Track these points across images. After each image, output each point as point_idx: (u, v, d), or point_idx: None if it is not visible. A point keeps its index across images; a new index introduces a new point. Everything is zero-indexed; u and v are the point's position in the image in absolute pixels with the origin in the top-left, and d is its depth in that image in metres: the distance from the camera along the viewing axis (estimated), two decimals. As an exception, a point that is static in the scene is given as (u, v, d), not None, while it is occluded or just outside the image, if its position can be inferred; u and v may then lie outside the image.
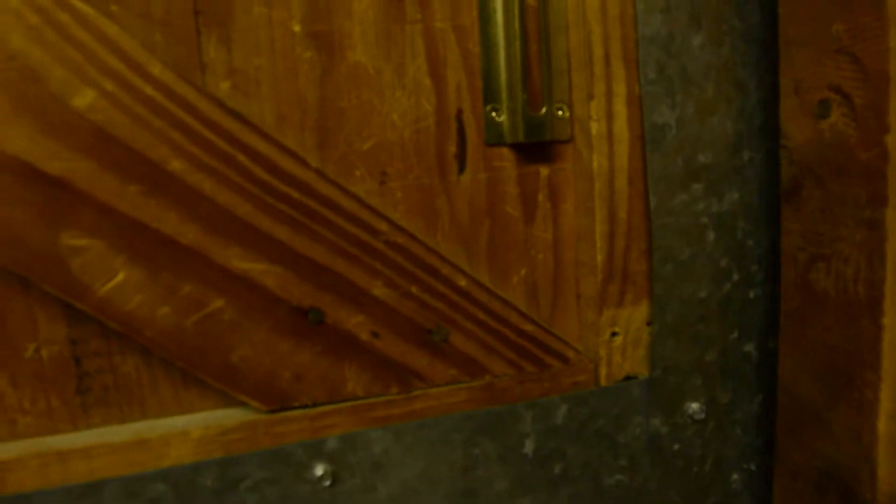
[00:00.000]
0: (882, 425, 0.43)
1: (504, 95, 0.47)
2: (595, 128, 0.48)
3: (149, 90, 0.39)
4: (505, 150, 0.48)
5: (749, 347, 0.54)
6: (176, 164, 0.40)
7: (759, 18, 0.50)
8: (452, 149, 0.47)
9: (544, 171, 0.49)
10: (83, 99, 0.38)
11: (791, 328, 0.49)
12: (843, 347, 0.44)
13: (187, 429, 0.42)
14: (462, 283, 0.47)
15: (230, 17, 0.42)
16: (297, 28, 0.43)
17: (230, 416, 0.44)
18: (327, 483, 0.44)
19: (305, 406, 0.45)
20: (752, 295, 0.53)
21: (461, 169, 0.48)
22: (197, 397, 0.45)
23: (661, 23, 0.47)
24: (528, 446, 0.49)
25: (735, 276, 0.52)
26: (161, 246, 0.40)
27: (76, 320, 0.41)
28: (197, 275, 0.41)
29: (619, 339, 0.51)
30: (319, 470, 0.44)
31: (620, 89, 0.48)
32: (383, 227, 0.44)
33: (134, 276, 0.40)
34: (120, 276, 0.40)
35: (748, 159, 0.51)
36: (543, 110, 0.48)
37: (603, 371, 0.51)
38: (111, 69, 0.38)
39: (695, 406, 0.53)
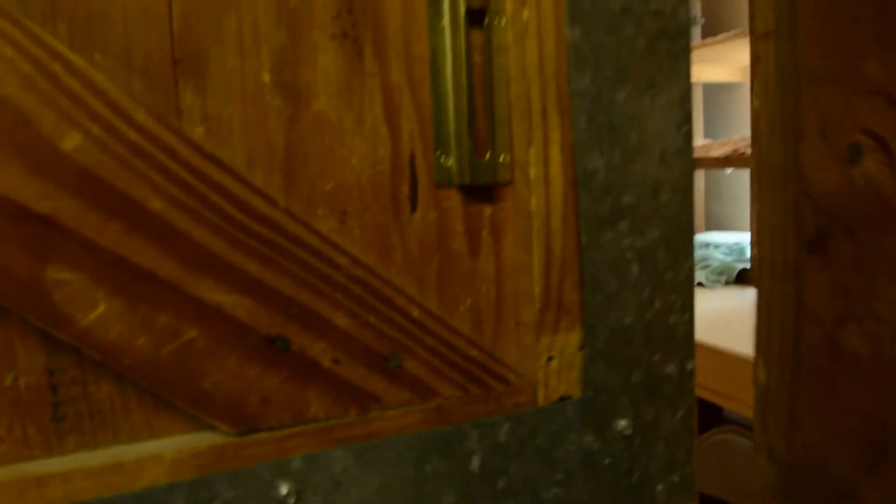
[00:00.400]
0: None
1: (452, 142, 0.52)
2: (533, 172, 0.53)
3: (133, 135, 0.42)
4: (453, 192, 0.53)
5: (670, 369, 0.60)
6: (156, 203, 0.43)
7: (679, 73, 0.57)
8: (405, 190, 0.52)
9: (488, 210, 0.54)
10: (71, 142, 0.41)
11: (815, 391, 0.42)
12: (879, 415, 0.39)
13: (161, 452, 0.45)
14: (415, 313, 0.51)
15: (206, 68, 0.46)
16: (266, 78, 0.47)
17: (201, 440, 0.46)
18: (292, 501, 0.47)
19: (272, 429, 0.48)
20: (671, 321, 0.59)
21: (413, 208, 0.52)
22: (167, 422, 0.47)
23: (591, 79, 0.53)
24: (475, 463, 0.54)
25: (657, 305, 0.58)
26: (140, 279, 0.43)
27: (54, 350, 0.44)
28: (173, 306, 0.44)
29: (554, 363, 0.56)
30: (284, 489, 0.47)
31: (556, 137, 0.53)
32: (344, 261, 0.48)
33: (114, 308, 0.43)
34: (101, 308, 0.42)
35: (666, 200, 0.58)
36: (488, 156, 0.53)
37: (541, 392, 0.56)
38: (98, 115, 0.41)
39: (623, 423, 0.58)
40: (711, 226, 2.50)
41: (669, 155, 0.57)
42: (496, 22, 0.52)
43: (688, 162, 0.58)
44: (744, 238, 2.15)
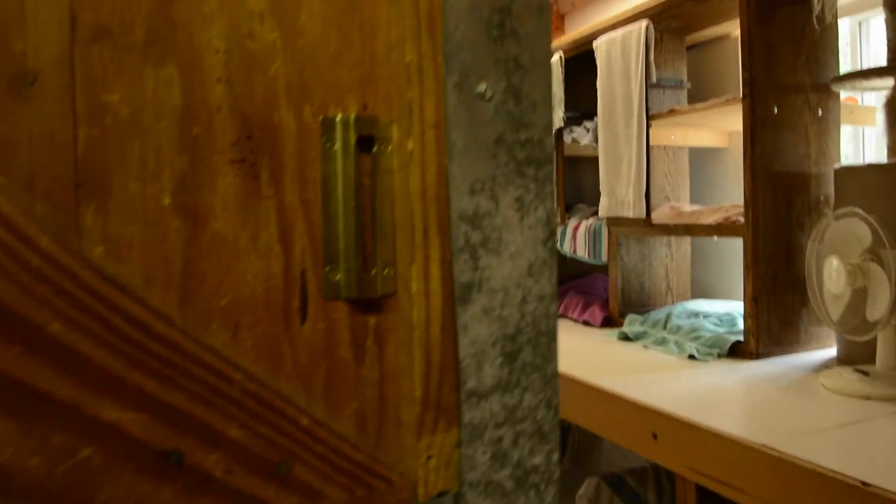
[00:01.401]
0: None
1: (341, 258, 0.56)
2: (415, 286, 0.58)
3: (36, 261, 0.43)
4: (340, 304, 0.57)
5: (538, 460, 0.66)
6: (56, 327, 0.44)
7: (545, 195, 0.64)
8: (296, 303, 0.55)
9: (373, 320, 0.58)
10: (-27, 269, 0.41)
11: None
12: None
13: (50, 573, 0.45)
14: (304, 421, 0.54)
15: (108, 190, 0.48)
16: (167, 201, 0.50)
17: (92, 558, 0.47)
18: None
19: (163, 542, 0.49)
20: (539, 416, 0.65)
21: (303, 320, 0.55)
22: (55, 541, 0.47)
23: (468, 203, 0.59)
24: (359, 562, 0.56)
25: (526, 402, 0.64)
26: (36, 400, 0.44)
27: (-61, 474, 0.43)
28: (69, 426, 0.45)
29: (433, 461, 0.60)
30: None
31: (435, 255, 0.59)
32: (238, 376, 0.51)
33: (8, 429, 0.43)
34: (-5, 432, 0.42)
35: (534, 307, 0.64)
36: (373, 271, 0.57)
37: (421, 490, 0.60)
38: (2, 242, 0.42)
39: (495, 515, 0.63)
40: (697, 293, 2.40)
41: (536, 267, 0.64)
42: (383, 149, 0.57)
43: (552, 273, 0.65)
44: (734, 308, 2.04)
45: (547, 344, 0.65)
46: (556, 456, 0.67)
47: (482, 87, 0.60)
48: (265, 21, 0.53)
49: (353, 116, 0.56)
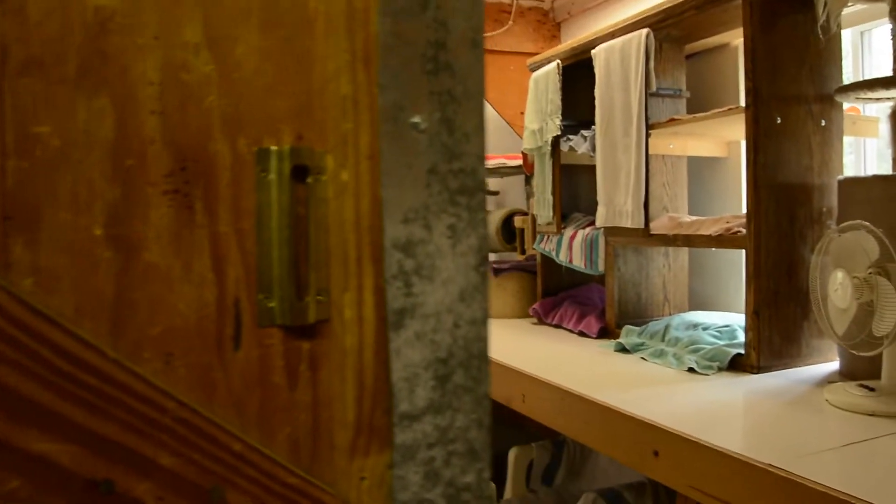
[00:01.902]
0: None
1: (275, 286, 0.57)
2: (348, 313, 0.59)
3: (-37, 296, 0.43)
4: (275, 331, 0.58)
5: (469, 478, 0.68)
6: (-17, 360, 0.44)
7: (477, 222, 0.65)
8: (230, 331, 0.56)
9: (306, 346, 0.60)
10: None
11: None
12: None
13: None
14: (237, 447, 0.55)
15: (37, 223, 0.48)
16: (98, 232, 0.50)
17: (18, 589, 0.47)
18: None
19: (92, 571, 0.49)
20: (470, 436, 0.67)
21: (237, 347, 0.56)
22: (-19, 572, 0.47)
23: (401, 232, 0.61)
24: (290, 584, 0.57)
25: (458, 423, 0.66)
26: (-38, 435, 0.44)
27: None
28: (-4, 459, 0.45)
29: (366, 483, 0.62)
30: None
31: (369, 283, 0.60)
32: (171, 405, 0.52)
33: (-67, 465, 0.43)
34: (-81, 467, 0.43)
35: (465, 331, 0.66)
36: (307, 298, 0.58)
37: (353, 511, 0.61)
38: (-72, 278, 0.42)
39: (426, 535, 0.64)
40: (695, 304, 2.35)
41: (468, 292, 0.66)
42: (318, 179, 0.58)
43: (483, 298, 0.67)
44: (734, 319, 1.98)
45: (478, 366, 0.67)
46: (487, 474, 0.69)
47: (416, 119, 0.62)
48: (201, 53, 0.54)
49: (287, 147, 0.57)
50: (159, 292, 0.53)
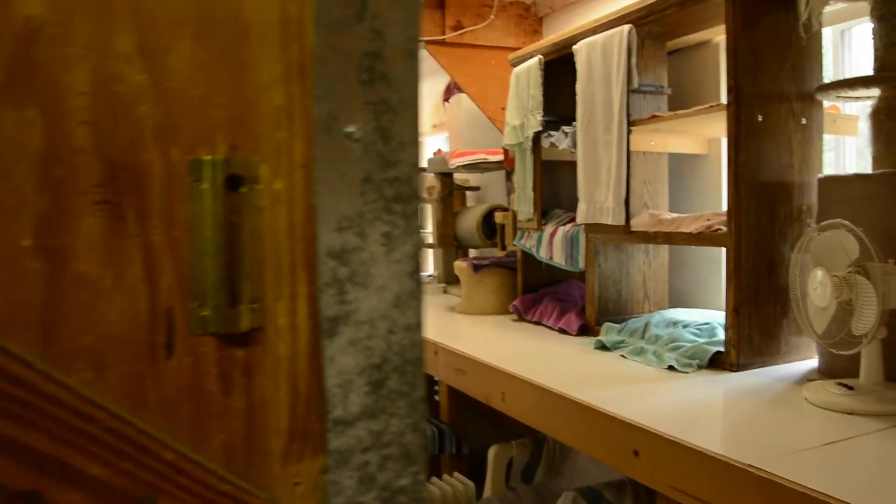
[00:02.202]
0: None
1: (209, 294, 0.57)
2: (282, 320, 0.60)
3: None
4: (208, 338, 0.58)
5: (405, 481, 0.69)
6: None
7: (412, 230, 0.67)
8: (162, 339, 0.56)
9: (240, 353, 0.60)
10: None
11: None
12: None
13: None
14: (168, 455, 0.55)
15: (-38, 235, 0.48)
16: (26, 242, 0.50)
17: None
18: None
19: (19, 582, 0.49)
20: (405, 440, 0.68)
21: (169, 355, 0.57)
22: None
23: (335, 240, 0.62)
24: (223, 590, 0.58)
25: (393, 427, 0.67)
26: None
27: None
28: (-81, 473, 0.45)
29: (300, 488, 0.62)
30: None
31: (302, 291, 0.61)
32: (101, 415, 0.52)
33: None
34: None
35: (400, 338, 0.67)
36: (241, 306, 0.59)
37: (287, 516, 0.62)
38: None
39: (360, 538, 0.66)
40: (674, 302, 2.35)
41: (403, 298, 0.67)
42: (252, 188, 0.59)
43: (418, 304, 0.68)
44: (714, 317, 1.98)
45: (413, 371, 0.68)
46: (422, 477, 0.71)
47: (351, 129, 0.63)
48: (133, 63, 0.54)
49: (221, 157, 0.57)
50: (90, 302, 0.53)
